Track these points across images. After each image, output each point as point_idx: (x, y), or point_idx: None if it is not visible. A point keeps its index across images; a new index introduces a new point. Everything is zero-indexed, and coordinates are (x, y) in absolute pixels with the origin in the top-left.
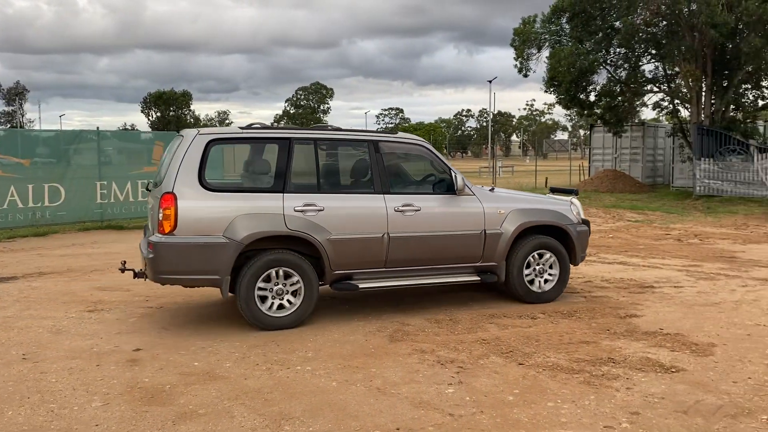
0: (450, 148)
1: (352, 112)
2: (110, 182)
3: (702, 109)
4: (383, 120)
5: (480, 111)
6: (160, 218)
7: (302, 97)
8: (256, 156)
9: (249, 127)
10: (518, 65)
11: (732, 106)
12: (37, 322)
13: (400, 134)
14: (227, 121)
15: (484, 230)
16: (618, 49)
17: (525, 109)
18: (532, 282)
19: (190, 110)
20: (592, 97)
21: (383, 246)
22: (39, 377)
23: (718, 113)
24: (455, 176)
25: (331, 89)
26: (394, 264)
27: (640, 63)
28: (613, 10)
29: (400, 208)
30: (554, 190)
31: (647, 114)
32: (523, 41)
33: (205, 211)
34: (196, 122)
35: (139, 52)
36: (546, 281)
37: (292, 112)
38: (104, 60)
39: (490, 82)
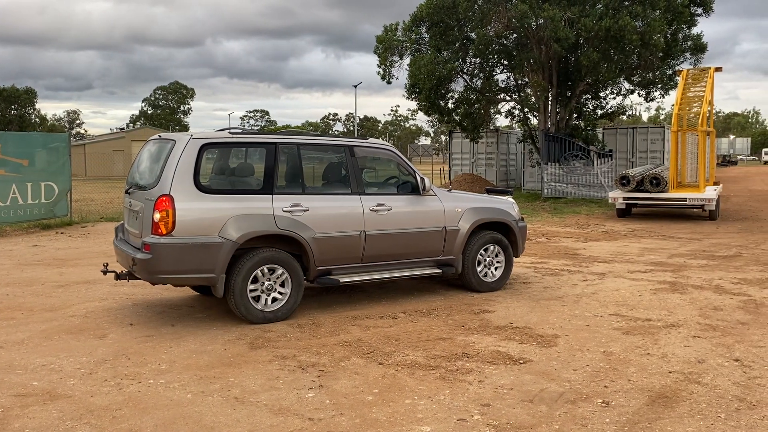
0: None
1: (215, 113)
2: None
3: (548, 117)
4: (248, 122)
5: (347, 115)
6: (156, 220)
7: (161, 96)
8: (246, 159)
9: (254, 132)
10: (381, 72)
11: (575, 115)
12: None
13: (371, 140)
14: (78, 121)
15: (445, 227)
16: (474, 59)
17: (390, 114)
18: (483, 273)
19: (35, 109)
20: (450, 104)
21: (360, 243)
22: None
23: (563, 121)
24: (421, 178)
25: (192, 89)
26: (369, 259)
27: (494, 73)
28: (469, 22)
29: (375, 207)
30: (490, 191)
31: (501, 121)
32: (386, 48)
33: (201, 213)
34: (42, 122)
35: None
36: (494, 272)
37: (149, 112)
38: None
39: (356, 87)
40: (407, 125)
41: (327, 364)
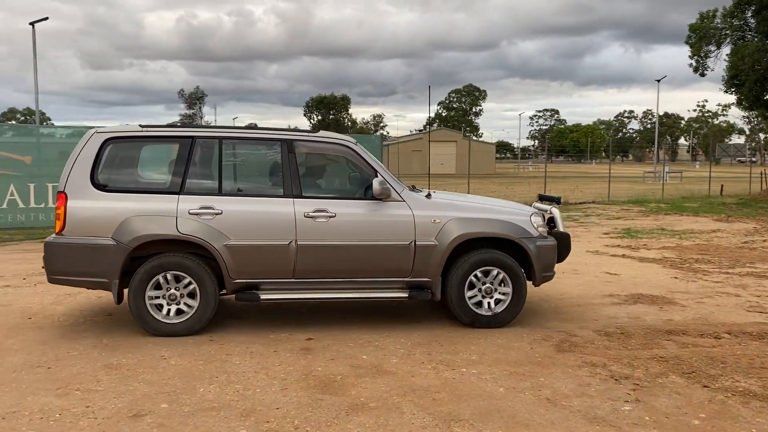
0: (610, 152)
1: (504, 114)
2: None
3: None
4: (537, 121)
5: (644, 112)
6: (54, 218)
7: (455, 99)
8: (154, 155)
9: (172, 126)
10: (693, 63)
11: None
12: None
13: (322, 133)
14: (381, 124)
15: (414, 241)
16: None
17: (695, 110)
18: (477, 302)
19: (348, 114)
20: None
21: (290, 254)
22: (225, 359)
23: None
24: (381, 180)
25: (484, 91)
26: (304, 274)
27: None
28: None
29: (311, 213)
30: (542, 198)
31: None
32: (700, 38)
33: (95, 212)
34: (353, 125)
35: (305, 58)
36: (496, 302)
37: (444, 114)
38: (274, 66)
39: (659, 81)
40: (716, 122)
41: (642, 379)
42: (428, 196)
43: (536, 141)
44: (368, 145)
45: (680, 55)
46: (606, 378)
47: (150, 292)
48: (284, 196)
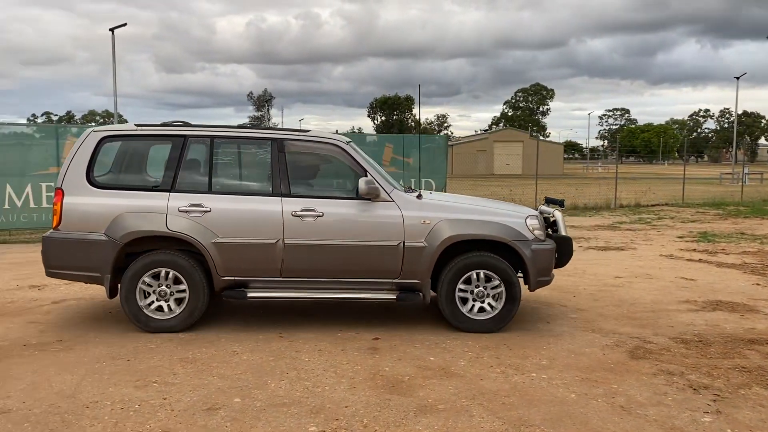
0: (684, 152)
1: (572, 113)
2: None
3: None
4: (606, 121)
5: (721, 111)
6: (52, 213)
7: (521, 98)
8: (148, 153)
9: (167, 124)
10: None
11: None
12: (286, 304)
13: (312, 132)
14: (445, 124)
15: (403, 242)
16: None
17: None
18: (470, 307)
19: (411, 114)
20: None
21: (277, 253)
22: (294, 355)
23: None
24: (369, 180)
25: (552, 90)
26: (291, 273)
27: None
28: None
29: (299, 212)
30: (548, 201)
31: None
32: None
33: (90, 208)
34: (416, 125)
35: (370, 59)
36: (488, 307)
37: (510, 114)
38: (339, 68)
39: (738, 78)
40: None
41: (723, 389)
42: (419, 196)
43: (605, 141)
44: (433, 145)
45: (762, 50)
46: (684, 387)
47: (140, 289)
48: (273, 194)
